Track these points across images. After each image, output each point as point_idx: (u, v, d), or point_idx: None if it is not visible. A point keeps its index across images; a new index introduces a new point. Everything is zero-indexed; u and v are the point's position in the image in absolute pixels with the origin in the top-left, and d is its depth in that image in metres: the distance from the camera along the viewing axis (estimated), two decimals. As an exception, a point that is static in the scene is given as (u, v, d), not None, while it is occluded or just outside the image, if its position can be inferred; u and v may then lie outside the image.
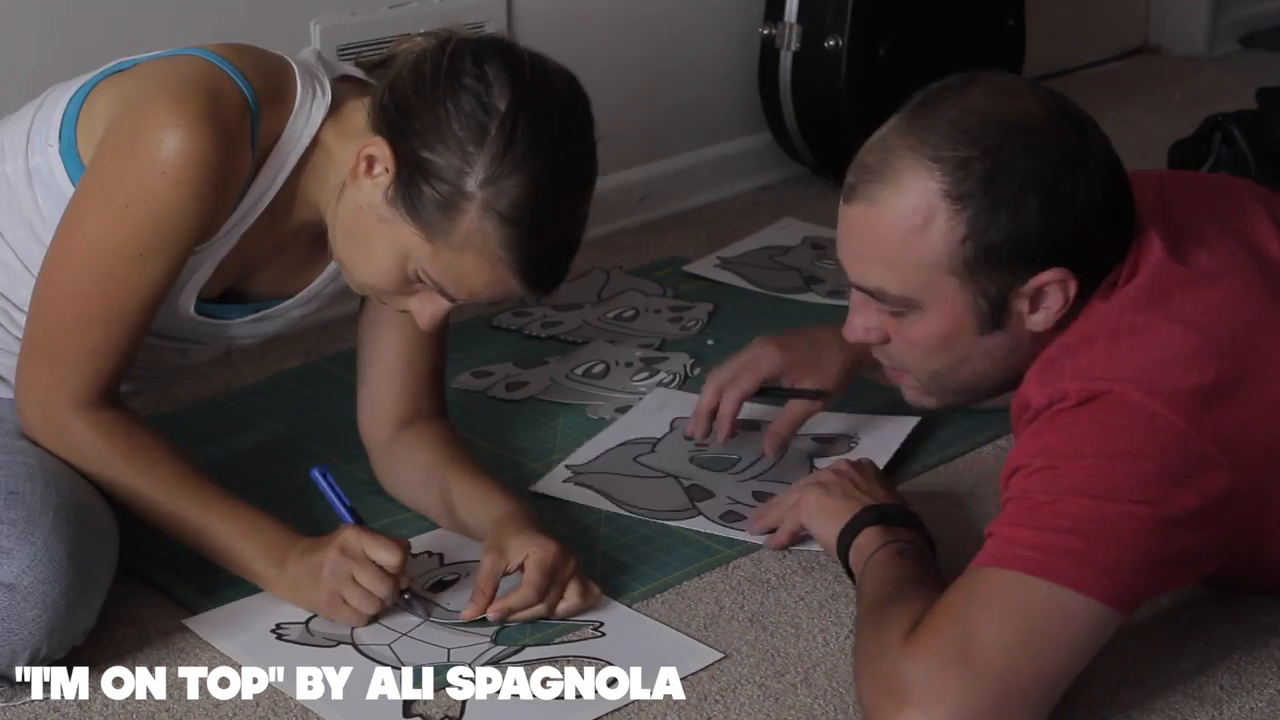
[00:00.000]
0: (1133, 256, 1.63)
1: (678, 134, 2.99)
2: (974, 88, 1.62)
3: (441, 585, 1.82)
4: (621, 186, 2.91)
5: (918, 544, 1.75)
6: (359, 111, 1.75)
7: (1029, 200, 1.57)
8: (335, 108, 1.76)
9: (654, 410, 2.21)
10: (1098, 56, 3.86)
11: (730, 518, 1.96)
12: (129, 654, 1.72)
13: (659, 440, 2.14)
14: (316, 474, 1.79)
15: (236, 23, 2.35)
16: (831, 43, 2.93)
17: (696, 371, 2.33)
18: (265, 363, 2.33)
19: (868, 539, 1.75)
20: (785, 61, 2.99)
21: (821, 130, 3.01)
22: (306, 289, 1.89)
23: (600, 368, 2.33)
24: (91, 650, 1.69)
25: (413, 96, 1.69)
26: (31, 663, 1.63)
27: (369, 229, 1.72)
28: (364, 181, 1.70)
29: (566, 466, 2.08)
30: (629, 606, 1.80)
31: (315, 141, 1.76)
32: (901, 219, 1.60)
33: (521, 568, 1.75)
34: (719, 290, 2.61)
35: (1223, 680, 1.67)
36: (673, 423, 2.18)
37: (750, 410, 2.10)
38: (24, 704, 1.64)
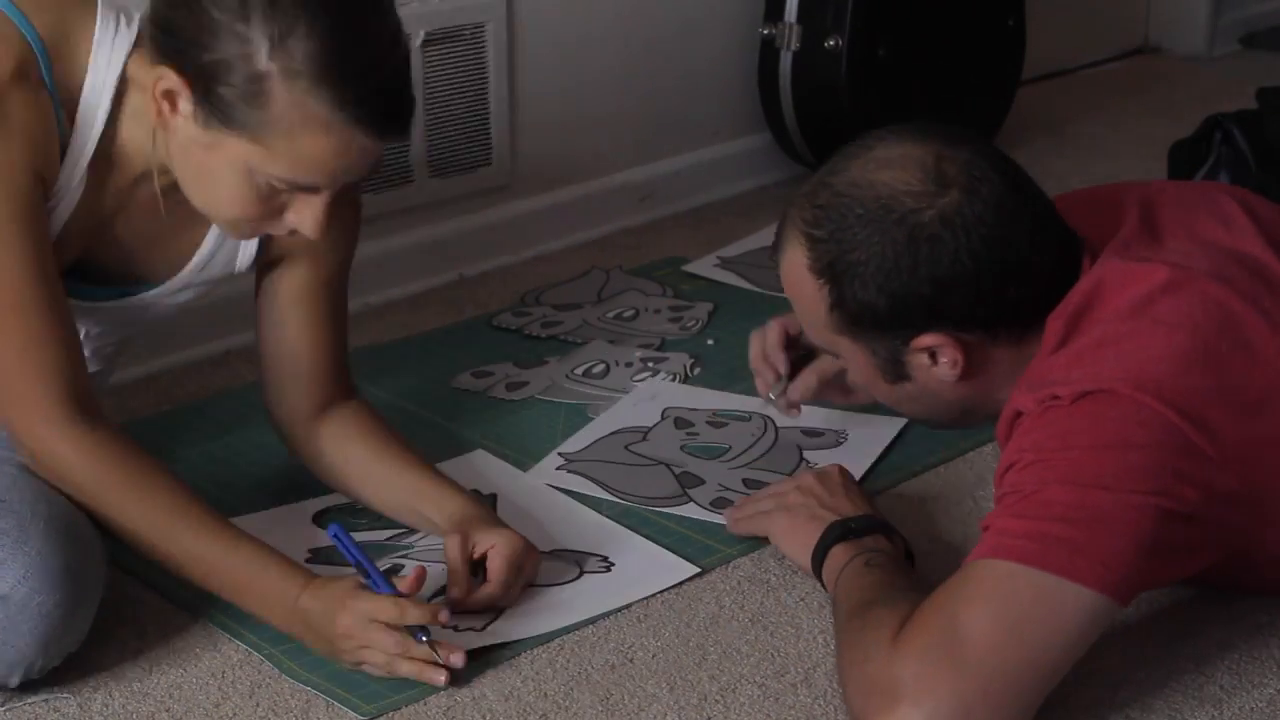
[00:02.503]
0: (1092, 279, 1.65)
1: (678, 134, 2.99)
2: (858, 157, 1.69)
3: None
4: (621, 186, 2.91)
5: (885, 550, 1.76)
6: None
7: (873, 276, 1.65)
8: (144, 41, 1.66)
9: (645, 400, 2.22)
10: (1098, 56, 3.85)
11: (720, 504, 1.98)
12: (129, 654, 1.72)
13: (650, 429, 2.15)
14: (332, 531, 1.72)
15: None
16: (831, 43, 2.93)
17: (696, 371, 2.33)
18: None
19: (835, 557, 1.76)
20: (785, 61, 2.99)
21: (821, 130, 3.01)
22: (194, 260, 1.83)
23: (600, 367, 2.33)
24: (91, 650, 1.69)
25: (167, 10, 1.61)
26: (27, 676, 1.61)
27: (203, 163, 1.63)
28: (174, 120, 1.61)
29: (559, 454, 2.10)
30: (629, 606, 1.80)
31: (128, 81, 1.67)
32: (791, 282, 1.74)
33: (484, 558, 1.75)
34: (719, 290, 2.61)
35: (1222, 680, 1.67)
36: (663, 412, 2.19)
37: (746, 403, 2.10)
38: (24, 705, 1.64)
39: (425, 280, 2.65)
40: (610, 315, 2.51)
